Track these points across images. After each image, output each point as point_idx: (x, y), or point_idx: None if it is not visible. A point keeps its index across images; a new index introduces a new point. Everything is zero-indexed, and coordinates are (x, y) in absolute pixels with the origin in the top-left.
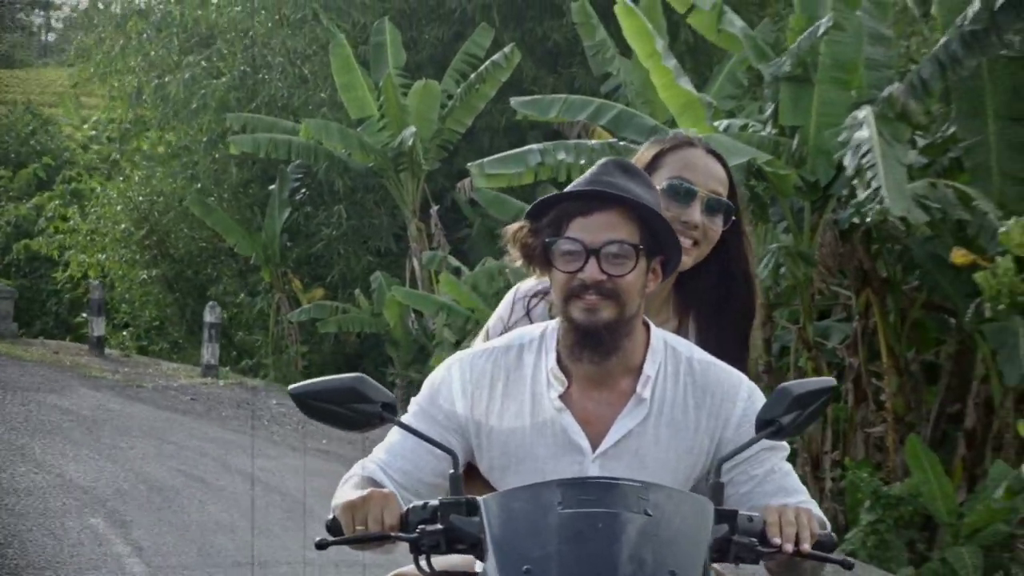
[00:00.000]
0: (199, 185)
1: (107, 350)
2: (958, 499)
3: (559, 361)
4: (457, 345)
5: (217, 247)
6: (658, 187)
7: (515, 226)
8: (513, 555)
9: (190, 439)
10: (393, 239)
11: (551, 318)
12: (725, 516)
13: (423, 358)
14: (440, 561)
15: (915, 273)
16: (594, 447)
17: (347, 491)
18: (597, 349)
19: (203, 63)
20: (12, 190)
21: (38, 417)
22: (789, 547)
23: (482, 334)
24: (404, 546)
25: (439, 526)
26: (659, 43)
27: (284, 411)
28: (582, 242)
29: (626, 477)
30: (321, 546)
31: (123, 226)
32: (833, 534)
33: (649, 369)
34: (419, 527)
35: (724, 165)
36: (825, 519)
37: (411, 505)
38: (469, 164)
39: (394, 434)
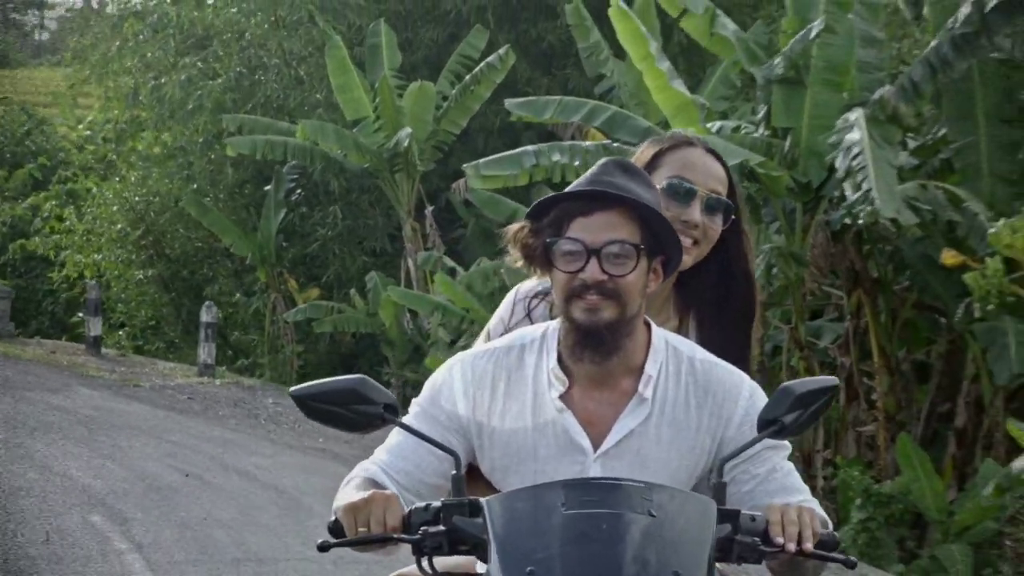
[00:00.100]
0: (195, 186)
1: (103, 350)
2: (948, 497)
3: (560, 361)
4: (452, 345)
5: (213, 247)
6: (657, 186)
7: (516, 226)
8: (517, 556)
9: (188, 438)
10: (388, 239)
11: (552, 318)
12: (728, 516)
13: (418, 358)
14: (441, 562)
15: (906, 273)
16: (595, 447)
17: (349, 493)
18: (598, 349)
19: (199, 64)
20: (8, 190)
21: (36, 416)
22: (792, 546)
23: (483, 335)
24: (405, 547)
25: (442, 527)
26: (653, 45)
27: (281, 410)
28: (583, 242)
29: (629, 477)
30: (323, 548)
31: (119, 226)
32: (836, 533)
33: (651, 369)
34: (422, 528)
35: (723, 164)
36: (827, 518)
37: (413, 506)
38: (464, 165)
39: (395, 435)
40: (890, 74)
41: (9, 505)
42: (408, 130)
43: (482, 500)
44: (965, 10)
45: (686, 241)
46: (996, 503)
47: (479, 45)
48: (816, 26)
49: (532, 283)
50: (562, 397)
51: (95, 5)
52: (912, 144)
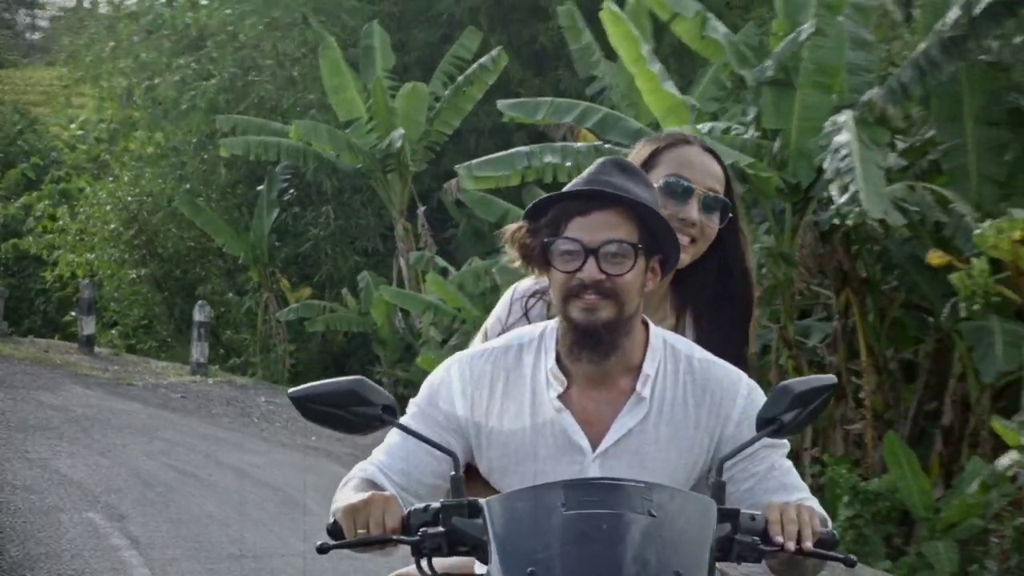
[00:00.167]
0: (188, 186)
1: (96, 348)
2: (935, 495)
3: (558, 361)
4: (444, 344)
5: (205, 247)
6: (655, 185)
7: (513, 226)
8: (517, 556)
9: (182, 436)
10: (380, 239)
11: (549, 318)
12: (727, 515)
13: (410, 357)
14: (440, 563)
15: (894, 273)
16: (594, 447)
17: (347, 494)
18: (596, 349)
19: (193, 65)
20: (1, 189)
21: (31, 414)
22: (791, 545)
23: (480, 335)
24: (403, 548)
25: (441, 528)
26: (644, 48)
27: (273, 408)
28: (581, 242)
29: (628, 477)
30: (322, 550)
31: (112, 226)
32: (835, 531)
33: (648, 368)
34: (421, 530)
35: (720, 162)
36: (827, 516)
37: (412, 508)
38: (457, 166)
39: (393, 435)
40: (880, 76)
41: (6, 502)
42: (401, 131)
43: (482, 501)
44: (953, 14)
45: (683, 239)
46: (982, 500)
47: (472, 46)
48: (806, 29)
49: (529, 282)
50: (560, 397)
51: (88, 4)
52: (901, 145)
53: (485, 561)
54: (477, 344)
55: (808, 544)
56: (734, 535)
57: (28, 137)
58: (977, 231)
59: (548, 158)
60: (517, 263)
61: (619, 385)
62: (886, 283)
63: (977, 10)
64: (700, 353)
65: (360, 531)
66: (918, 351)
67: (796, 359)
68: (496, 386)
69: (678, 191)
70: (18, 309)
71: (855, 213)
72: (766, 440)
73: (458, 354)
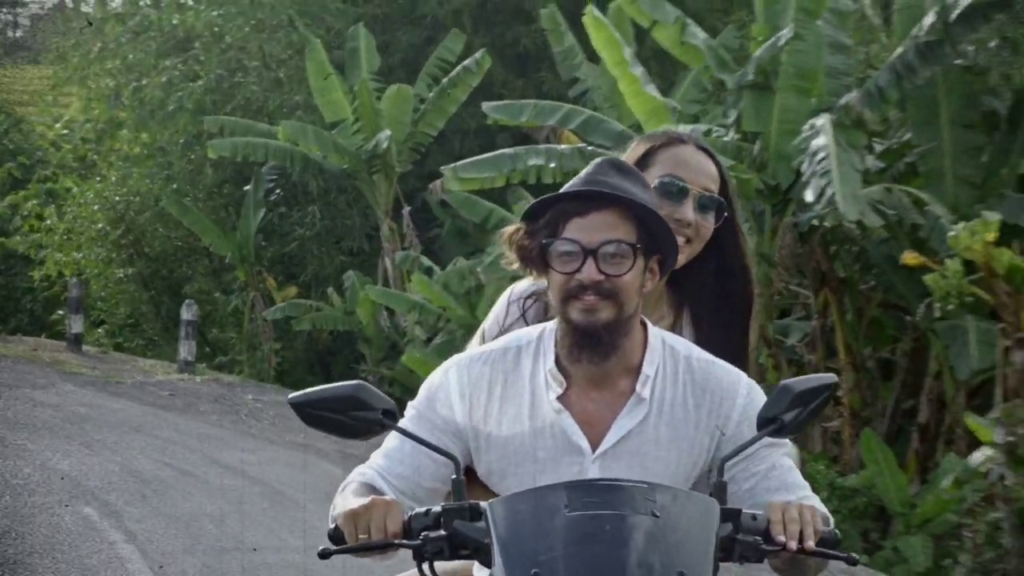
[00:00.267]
0: (175, 186)
1: (84, 347)
2: (912, 491)
3: (557, 362)
4: (428, 342)
5: (192, 246)
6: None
7: (511, 228)
8: (520, 558)
9: (172, 433)
10: (365, 239)
11: (546, 319)
12: (729, 515)
13: (395, 355)
14: (441, 567)
15: (871, 273)
16: (594, 448)
17: (347, 499)
18: (596, 350)
19: (180, 67)
20: None
21: (23, 412)
22: (793, 544)
23: (477, 337)
24: (405, 552)
25: (442, 532)
26: (627, 51)
27: (261, 406)
28: (579, 242)
29: (631, 478)
30: (324, 555)
31: (99, 225)
32: (837, 530)
33: (648, 368)
34: (422, 534)
35: (715, 161)
36: (828, 515)
37: (413, 512)
38: (443, 167)
39: (392, 439)
40: (858, 79)
41: (2, 498)
42: (388, 132)
43: (483, 504)
44: (930, 19)
45: (679, 240)
46: (956, 496)
47: (456, 49)
48: (785, 34)
49: (526, 284)
50: (560, 398)
51: (70, 3)
52: (878, 148)
53: (487, 564)
54: (474, 346)
55: (810, 543)
56: (736, 535)
57: (14, 136)
58: (951, 233)
59: (532, 160)
60: (515, 265)
61: (619, 386)
62: (864, 283)
63: (953, 15)
64: (699, 353)
65: (361, 536)
66: (895, 350)
67: (775, 358)
68: (494, 389)
69: (673, 191)
70: (5, 308)
71: (831, 215)
72: (767, 439)
73: (456, 357)
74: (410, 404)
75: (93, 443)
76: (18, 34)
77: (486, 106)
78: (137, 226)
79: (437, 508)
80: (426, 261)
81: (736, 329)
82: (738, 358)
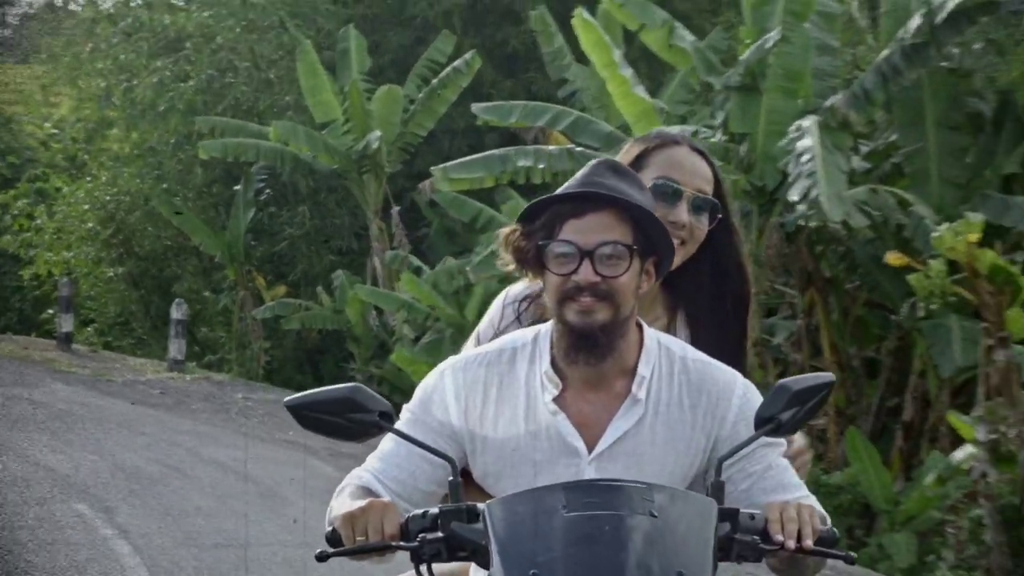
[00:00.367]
0: (165, 185)
1: (74, 345)
2: (896, 488)
3: (553, 364)
4: (416, 341)
5: (182, 245)
6: None
7: (507, 229)
8: (519, 559)
9: (163, 431)
10: (354, 238)
11: (541, 321)
12: (727, 515)
13: (383, 354)
14: (439, 568)
15: (857, 273)
16: (590, 449)
17: (344, 502)
18: (593, 351)
19: (171, 67)
20: None
21: (14, 409)
22: (791, 544)
23: (472, 339)
24: (402, 554)
25: (440, 534)
26: (616, 53)
27: (250, 404)
28: (576, 244)
29: (629, 479)
30: (321, 558)
31: (89, 225)
32: (835, 529)
33: (643, 370)
34: (420, 536)
35: (709, 162)
36: (826, 514)
37: (411, 514)
38: (433, 168)
39: (387, 442)
40: (845, 80)
41: None
42: (378, 133)
43: (481, 505)
44: (915, 22)
45: (673, 242)
46: (940, 493)
47: (446, 50)
48: (773, 37)
49: (521, 286)
50: (556, 400)
51: (58, 2)
52: (864, 149)
53: (485, 566)
54: (469, 348)
55: (808, 542)
56: (734, 534)
57: (3, 135)
58: (934, 234)
59: (522, 161)
60: (511, 266)
61: (614, 387)
62: (849, 283)
63: (939, 18)
64: (694, 354)
65: (359, 538)
66: (880, 349)
67: (761, 356)
68: (490, 391)
69: (667, 193)
70: None
71: (816, 215)
72: (763, 439)
73: (451, 359)
74: (405, 407)
75: (85, 440)
76: (6, 33)
77: (476, 107)
78: (127, 225)
79: (434, 510)
80: (415, 260)
81: (735, 329)
82: (737, 358)
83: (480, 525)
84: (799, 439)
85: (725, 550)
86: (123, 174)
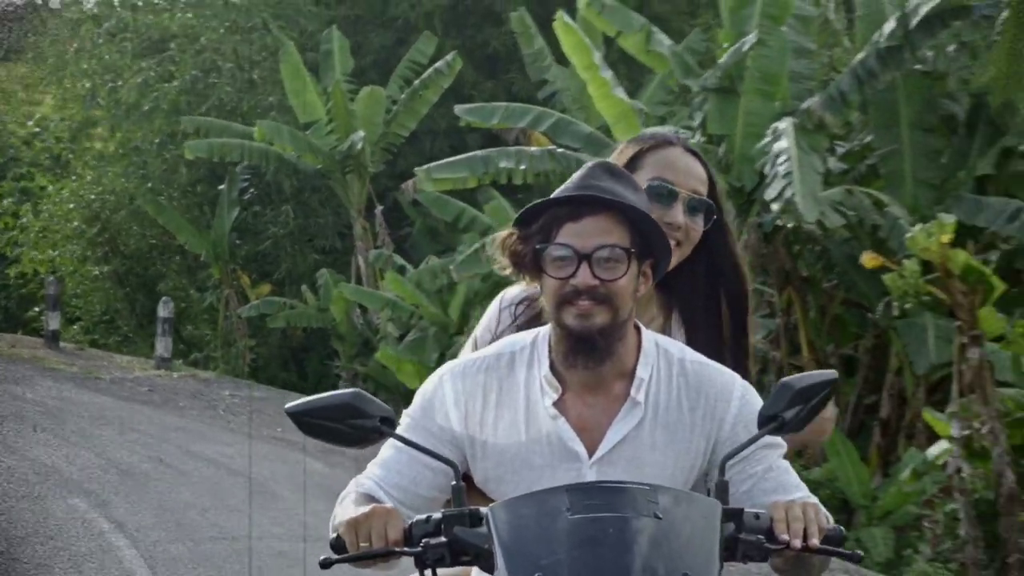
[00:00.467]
0: (150, 184)
1: (61, 343)
2: (874, 484)
3: (552, 368)
4: (401, 339)
5: (167, 244)
6: None
7: (504, 233)
8: (523, 562)
9: (153, 427)
10: (338, 237)
11: (539, 324)
12: (731, 515)
13: (368, 352)
14: (443, 573)
15: (833, 272)
16: (590, 453)
17: (347, 508)
18: (591, 355)
19: (155, 67)
20: None
21: (5, 406)
22: (797, 543)
23: (469, 344)
24: (406, 560)
25: (443, 539)
26: (596, 56)
27: (237, 401)
28: (573, 247)
29: (633, 481)
30: (325, 565)
31: (75, 223)
32: (840, 528)
33: (642, 372)
34: (423, 541)
35: (703, 163)
36: (829, 514)
37: (414, 519)
38: (416, 168)
39: (388, 448)
40: (821, 82)
41: None
42: (361, 133)
43: (484, 508)
44: (890, 25)
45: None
46: (916, 488)
47: (427, 51)
48: (750, 40)
49: (517, 290)
50: (555, 404)
51: (39, 0)
52: (840, 151)
53: (488, 570)
54: (467, 352)
55: (815, 541)
56: (739, 534)
57: None
58: (908, 234)
59: (504, 163)
60: (508, 270)
61: (614, 390)
62: (826, 282)
63: (913, 22)
64: (692, 355)
65: (363, 544)
66: (857, 347)
67: None
68: (489, 396)
69: (663, 194)
70: None
71: (791, 215)
72: (763, 440)
73: (449, 364)
74: (405, 412)
75: (75, 437)
76: None
77: (459, 109)
78: (112, 224)
79: (437, 515)
80: (399, 259)
81: (734, 329)
82: (738, 358)
83: (483, 529)
84: (830, 409)
85: (730, 550)
86: (108, 173)
